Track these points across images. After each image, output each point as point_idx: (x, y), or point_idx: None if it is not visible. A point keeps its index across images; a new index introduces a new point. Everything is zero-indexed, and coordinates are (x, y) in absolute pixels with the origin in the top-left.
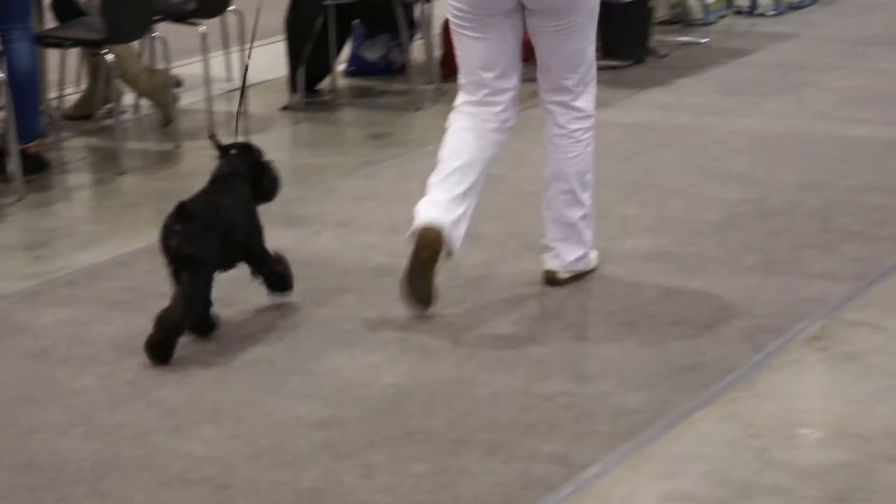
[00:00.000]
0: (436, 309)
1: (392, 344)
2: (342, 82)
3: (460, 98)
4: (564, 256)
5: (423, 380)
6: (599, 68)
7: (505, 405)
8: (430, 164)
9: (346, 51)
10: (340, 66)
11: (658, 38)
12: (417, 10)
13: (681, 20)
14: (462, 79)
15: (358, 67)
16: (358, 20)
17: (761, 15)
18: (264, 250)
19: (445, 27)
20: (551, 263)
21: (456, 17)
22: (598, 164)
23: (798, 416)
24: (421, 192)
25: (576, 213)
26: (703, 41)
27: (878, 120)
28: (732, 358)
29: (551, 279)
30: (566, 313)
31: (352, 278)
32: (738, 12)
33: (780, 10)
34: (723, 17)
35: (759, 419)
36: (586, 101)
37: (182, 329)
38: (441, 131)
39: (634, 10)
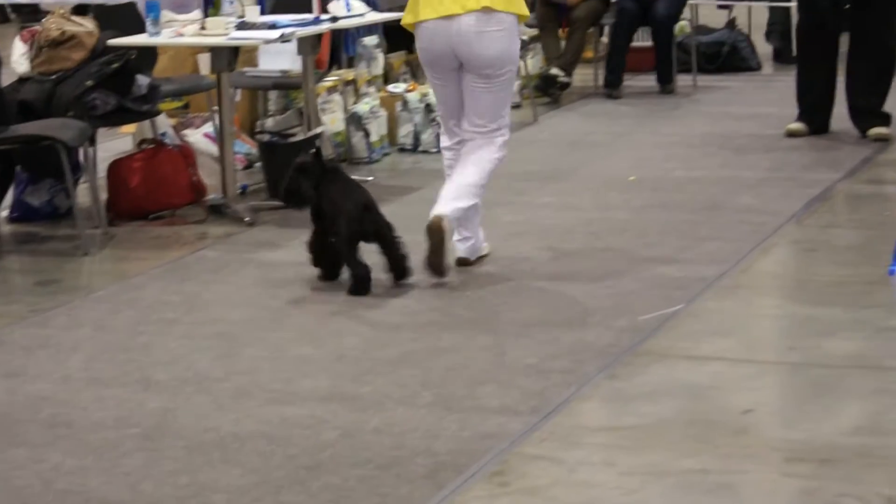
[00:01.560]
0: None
1: (68, 497)
2: (6, 228)
3: (442, 140)
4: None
5: None
6: (267, 209)
7: None
8: (103, 309)
9: (9, 196)
10: (3, 212)
11: None
12: (82, 154)
13: (346, 158)
14: (439, 114)
15: (22, 213)
16: (20, 165)
17: (425, 152)
18: None
19: (111, 170)
20: (461, 252)
21: (424, 66)
22: (271, 305)
23: None
24: (94, 339)
25: (469, 220)
26: (368, 179)
27: (545, 254)
28: (415, 497)
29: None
30: (246, 459)
31: (23, 431)
32: (402, 149)
33: None
34: (387, 154)
35: None
36: (501, 139)
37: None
38: (110, 276)
39: (300, 149)
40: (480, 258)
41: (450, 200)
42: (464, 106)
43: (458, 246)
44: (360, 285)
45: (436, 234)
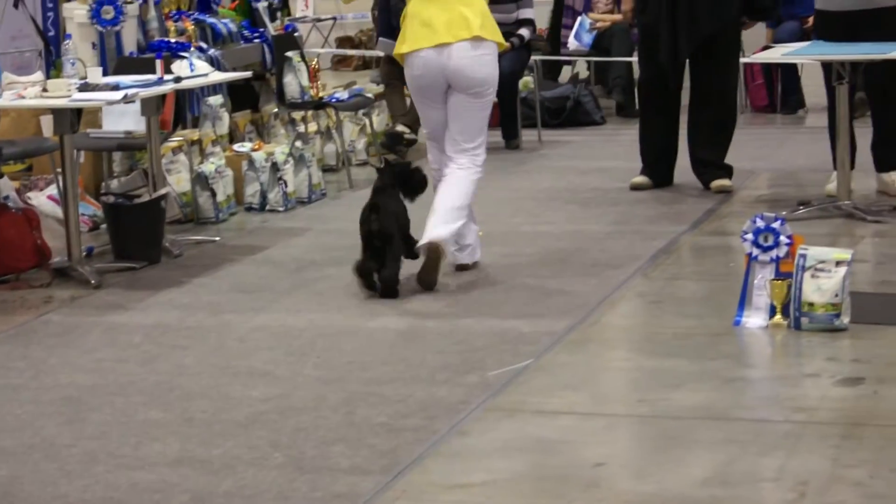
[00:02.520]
0: None
1: None
2: None
3: (428, 153)
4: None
5: None
6: (114, 271)
7: None
8: None
9: None
10: None
11: (171, 237)
12: None
13: (192, 219)
14: (425, 133)
15: None
16: None
17: (272, 211)
18: (411, 236)
19: None
20: (463, 259)
21: (415, 92)
22: (118, 369)
23: None
24: None
25: (466, 228)
26: (215, 239)
27: (393, 311)
28: None
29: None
30: None
31: None
32: (250, 209)
33: (290, 205)
34: (234, 214)
35: None
36: (480, 157)
37: (398, 278)
38: None
39: (146, 210)
40: (476, 263)
41: (441, 225)
42: (448, 127)
43: (457, 255)
44: (361, 280)
45: (433, 254)
